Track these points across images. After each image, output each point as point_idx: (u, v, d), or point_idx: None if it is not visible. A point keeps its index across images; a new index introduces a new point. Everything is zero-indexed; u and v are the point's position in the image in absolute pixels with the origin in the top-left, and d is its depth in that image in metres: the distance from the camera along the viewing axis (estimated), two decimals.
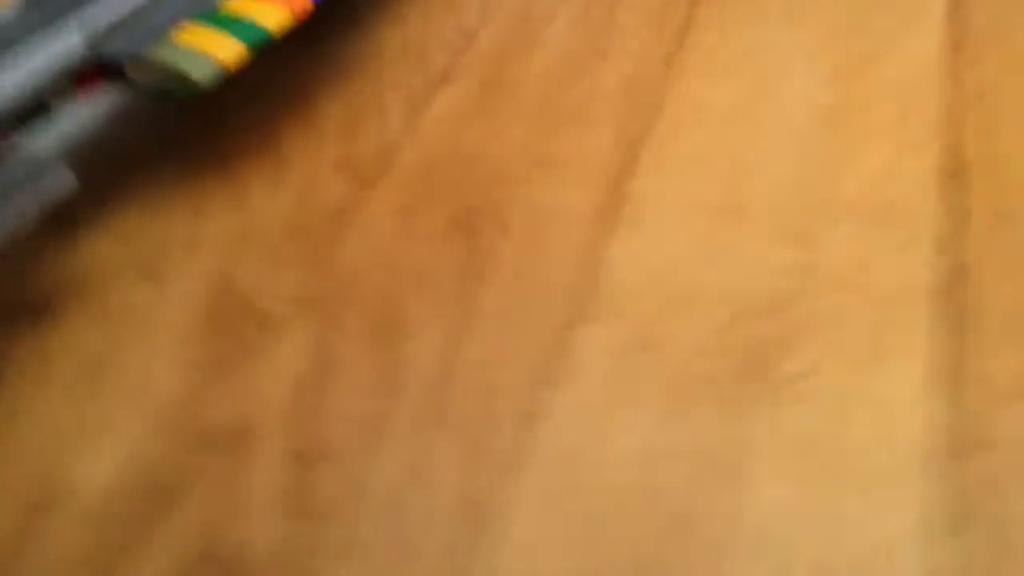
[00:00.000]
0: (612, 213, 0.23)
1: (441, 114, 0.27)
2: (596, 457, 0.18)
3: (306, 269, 0.24)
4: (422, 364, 0.20)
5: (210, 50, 0.25)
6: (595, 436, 0.18)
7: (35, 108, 0.25)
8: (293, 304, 0.23)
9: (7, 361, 0.23)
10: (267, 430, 0.20)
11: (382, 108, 0.28)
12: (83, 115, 0.25)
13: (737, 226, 0.22)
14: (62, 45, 0.25)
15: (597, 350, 0.20)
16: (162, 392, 0.21)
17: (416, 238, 0.23)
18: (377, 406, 0.20)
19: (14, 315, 0.24)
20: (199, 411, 0.21)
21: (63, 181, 0.24)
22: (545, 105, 0.26)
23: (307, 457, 0.19)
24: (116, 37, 0.26)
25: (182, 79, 0.25)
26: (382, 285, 0.23)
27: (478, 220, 0.23)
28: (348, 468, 0.19)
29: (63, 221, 0.27)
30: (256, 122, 0.29)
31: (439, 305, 0.22)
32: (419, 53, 0.30)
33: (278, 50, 0.32)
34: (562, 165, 0.24)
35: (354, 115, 0.28)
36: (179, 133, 0.29)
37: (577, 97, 0.26)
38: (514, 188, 0.24)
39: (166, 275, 0.24)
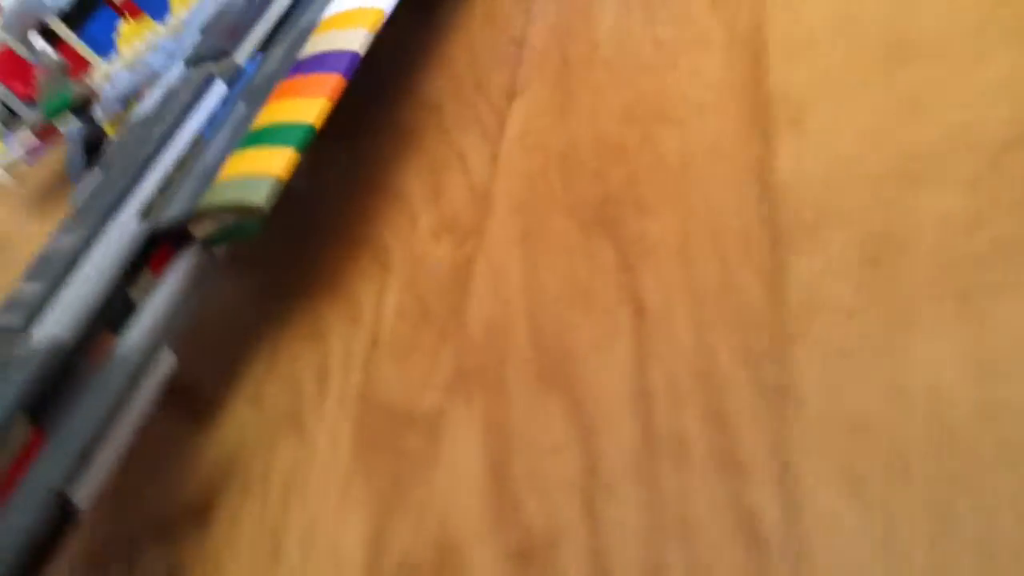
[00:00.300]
0: (762, 127, 0.18)
1: (521, 130, 0.24)
2: (897, 408, 0.13)
3: (443, 348, 0.20)
4: (613, 392, 0.16)
5: (258, 170, 0.23)
6: (884, 383, 0.13)
7: (119, 308, 0.23)
8: (443, 391, 0.19)
9: (184, 569, 0.20)
10: (473, 538, 0.16)
11: (460, 153, 0.25)
12: (167, 295, 0.23)
13: (923, 69, 0.17)
14: (120, 231, 0.23)
15: (823, 283, 0.15)
16: (350, 540, 0.18)
17: (550, 260, 0.20)
18: (579, 462, 0.16)
19: (179, 522, 0.22)
20: (394, 545, 0.17)
21: (166, 366, 0.22)
22: (631, 69, 0.22)
23: (528, 554, 0.15)
24: (168, 202, 0.24)
25: (243, 211, 0.22)
26: (530, 325, 0.19)
27: (613, 209, 0.19)
28: (580, 550, 0.15)
29: (192, 403, 0.24)
30: (344, 215, 0.26)
31: (604, 317, 0.18)
32: (475, 82, 0.27)
33: (343, 131, 0.29)
34: (680, 109, 0.20)
35: (434, 171, 0.25)
36: (279, 254, 0.27)
37: (663, 42, 0.22)
38: (636, 159, 0.20)
39: (307, 419, 0.21)
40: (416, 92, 0.29)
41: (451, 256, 0.22)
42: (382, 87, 0.30)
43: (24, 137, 0.48)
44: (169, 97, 0.28)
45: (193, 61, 0.29)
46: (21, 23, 0.44)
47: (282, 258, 0.27)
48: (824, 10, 0.19)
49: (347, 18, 0.27)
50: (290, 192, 0.30)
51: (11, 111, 0.48)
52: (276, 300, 0.25)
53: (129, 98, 0.34)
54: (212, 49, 0.28)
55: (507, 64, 0.26)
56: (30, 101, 0.47)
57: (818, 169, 0.16)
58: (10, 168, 0.48)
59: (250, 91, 0.27)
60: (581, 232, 0.20)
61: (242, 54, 0.28)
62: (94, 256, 0.23)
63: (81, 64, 0.46)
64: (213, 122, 0.26)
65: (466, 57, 0.28)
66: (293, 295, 0.25)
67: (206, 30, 0.30)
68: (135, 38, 0.42)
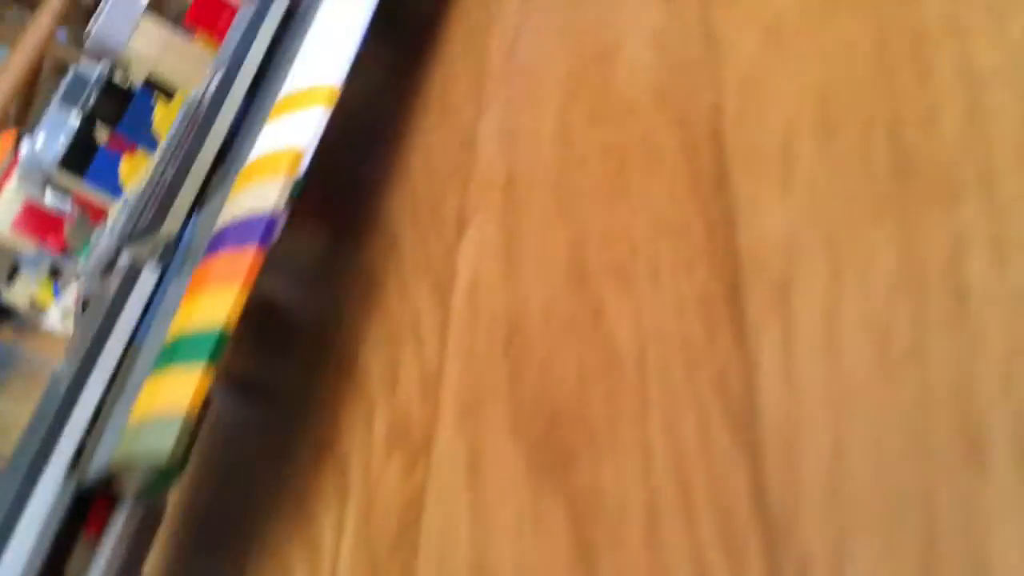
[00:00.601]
0: (731, 310, 0.12)
1: (469, 285, 0.18)
2: None
3: None
4: None
5: (167, 404, 0.19)
6: None
7: None
8: None
9: None
10: None
11: (415, 315, 0.20)
12: (105, 567, 0.19)
13: (974, 204, 0.10)
14: (45, 494, 0.20)
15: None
16: None
17: (499, 521, 0.14)
18: None
19: None
20: None
21: None
22: (578, 190, 0.16)
23: None
24: (95, 455, 0.20)
25: (153, 465, 0.18)
26: None
27: (562, 439, 0.14)
28: None
29: None
30: (303, 413, 0.21)
31: None
32: (430, 204, 0.21)
33: (304, 277, 0.25)
34: (634, 265, 0.14)
35: (391, 341, 0.20)
36: (241, 470, 0.23)
37: (610, 149, 0.16)
38: (586, 345, 0.14)
39: None
40: (375, 216, 0.24)
41: (401, 488, 0.17)
42: (342, 210, 0.26)
43: (71, 288, 0.47)
44: (100, 298, 0.24)
45: (127, 239, 0.25)
46: (34, 179, 0.43)
47: (246, 476, 0.23)
48: (800, 90, 0.12)
49: (264, 164, 0.22)
50: (255, 377, 0.25)
51: (55, 266, 0.47)
52: (239, 533, 0.21)
53: (108, 265, 0.31)
54: (143, 224, 0.25)
55: (459, 176, 0.21)
56: (66, 253, 0.46)
57: (816, 414, 0.10)
58: (66, 317, 0.47)
59: (187, 263, 0.23)
60: (529, 478, 0.14)
61: (173, 223, 0.24)
62: (19, 531, 0.20)
63: (96, 209, 0.43)
64: (148, 314, 0.23)
65: (421, 165, 0.23)
66: (256, 524, 0.21)
67: (140, 199, 0.26)
68: (135, 174, 0.40)
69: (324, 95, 0.24)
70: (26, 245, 0.46)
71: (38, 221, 0.46)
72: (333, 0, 0.27)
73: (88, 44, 0.35)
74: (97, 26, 0.33)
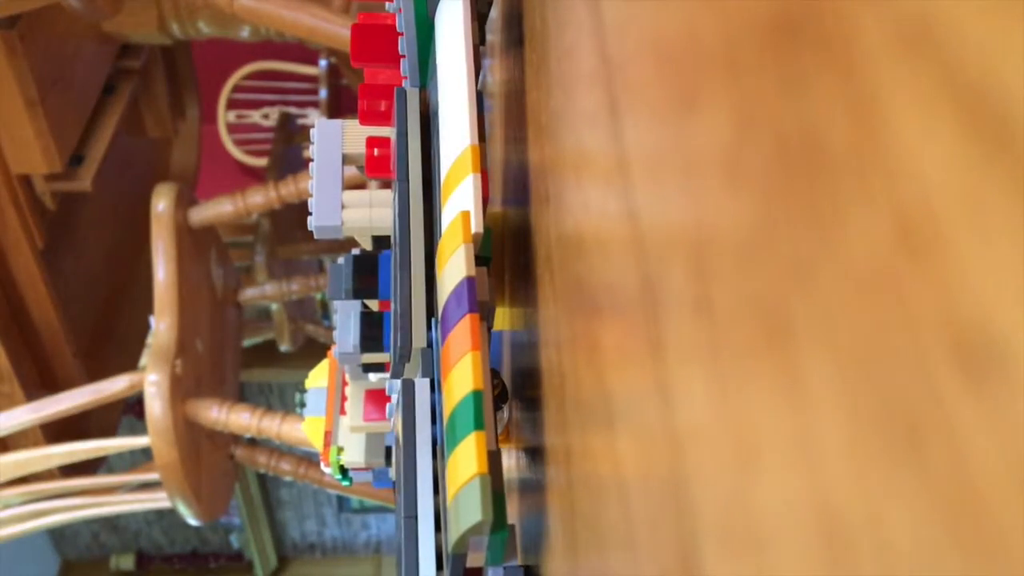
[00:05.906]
0: None
1: None
2: None
3: None
4: None
5: (463, 480, 0.20)
6: None
7: None
8: None
9: None
10: None
11: None
12: None
13: None
14: None
15: None
16: None
17: None
18: None
19: None
20: None
21: None
22: None
23: None
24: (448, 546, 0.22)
25: (473, 526, 0.20)
26: None
27: None
28: None
29: None
30: None
31: None
32: None
33: None
34: None
35: None
36: None
37: None
38: None
39: None
40: None
41: None
42: None
43: None
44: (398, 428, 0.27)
45: (395, 371, 0.28)
46: (356, 372, 0.49)
47: None
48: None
49: (448, 240, 0.24)
50: None
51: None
52: None
53: None
54: (402, 350, 0.27)
55: None
56: None
57: None
58: None
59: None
60: None
61: (419, 337, 0.26)
62: None
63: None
64: (436, 417, 0.25)
65: None
66: None
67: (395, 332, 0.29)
68: None
69: (468, 157, 0.25)
70: (384, 426, 0.52)
71: (379, 400, 0.51)
72: (447, 82, 0.28)
73: (316, 236, 0.39)
74: (313, 221, 0.37)
